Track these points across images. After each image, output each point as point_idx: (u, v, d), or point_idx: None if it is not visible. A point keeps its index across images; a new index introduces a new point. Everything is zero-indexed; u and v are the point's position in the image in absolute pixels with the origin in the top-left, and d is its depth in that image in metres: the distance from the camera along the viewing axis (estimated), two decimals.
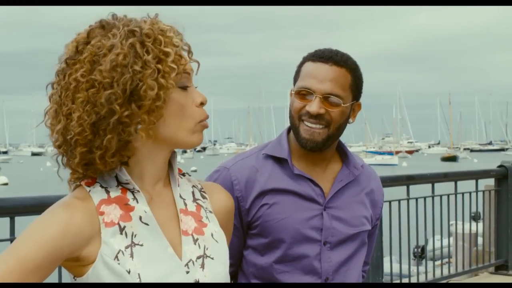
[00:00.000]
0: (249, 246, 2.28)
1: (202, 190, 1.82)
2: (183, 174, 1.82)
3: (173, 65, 1.61)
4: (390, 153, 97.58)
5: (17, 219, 3.40)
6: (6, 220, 3.38)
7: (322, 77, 2.21)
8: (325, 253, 2.25)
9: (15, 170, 74.70)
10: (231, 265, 2.26)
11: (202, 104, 1.69)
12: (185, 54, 1.68)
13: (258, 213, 2.24)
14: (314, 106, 2.20)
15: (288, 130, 2.36)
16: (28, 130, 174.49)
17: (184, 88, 1.67)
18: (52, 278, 3.54)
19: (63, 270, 3.38)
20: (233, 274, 2.31)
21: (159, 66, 1.60)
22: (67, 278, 3.53)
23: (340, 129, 2.27)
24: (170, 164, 1.75)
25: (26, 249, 1.54)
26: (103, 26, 1.66)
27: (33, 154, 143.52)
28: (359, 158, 2.43)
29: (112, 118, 1.57)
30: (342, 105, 2.22)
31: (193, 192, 1.79)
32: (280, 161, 2.29)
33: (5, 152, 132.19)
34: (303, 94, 2.23)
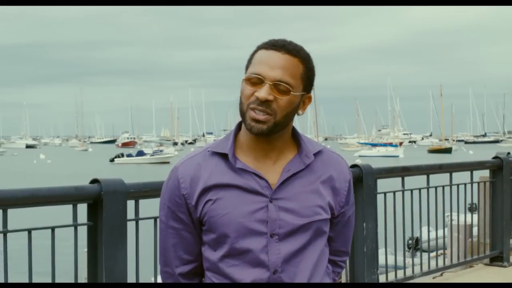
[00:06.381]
0: (204, 242, 2.32)
1: None
2: None
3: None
4: (395, 145, 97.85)
5: (10, 211, 3.39)
6: None
7: (273, 64, 2.22)
8: (273, 245, 2.25)
9: (8, 163, 74.53)
10: (189, 262, 2.33)
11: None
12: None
13: (204, 209, 2.27)
14: (263, 92, 2.20)
15: (239, 125, 2.36)
16: (21, 122, 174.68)
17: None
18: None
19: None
20: (194, 270, 2.35)
21: None
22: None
23: (287, 118, 2.26)
24: None
25: None
26: None
27: (28, 146, 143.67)
28: (319, 145, 2.38)
29: None
30: (292, 93, 2.23)
31: None
32: (224, 157, 2.30)
33: None
34: (253, 81, 2.23)
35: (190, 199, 2.28)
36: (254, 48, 2.32)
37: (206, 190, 2.27)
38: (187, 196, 2.28)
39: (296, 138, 2.36)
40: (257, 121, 2.21)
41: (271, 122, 2.22)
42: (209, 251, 2.30)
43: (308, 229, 2.28)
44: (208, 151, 2.33)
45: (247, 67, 2.29)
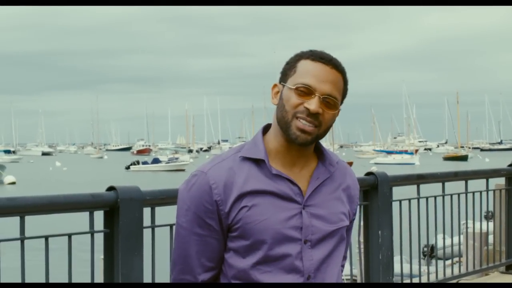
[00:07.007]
0: (230, 248, 2.29)
1: None
2: None
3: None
4: (410, 153, 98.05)
5: (27, 218, 3.42)
6: (16, 219, 3.40)
7: (323, 77, 2.25)
8: (306, 252, 2.27)
9: (25, 170, 74.88)
10: (211, 268, 2.30)
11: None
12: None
13: (238, 215, 2.25)
14: (314, 104, 2.23)
15: (263, 131, 2.38)
16: (37, 129, 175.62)
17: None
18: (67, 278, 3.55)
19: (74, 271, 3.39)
20: (213, 277, 2.32)
21: None
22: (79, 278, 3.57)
23: (327, 131, 2.31)
24: None
25: None
26: None
27: (44, 153, 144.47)
28: (335, 154, 2.44)
29: None
30: (339, 108, 2.29)
31: None
32: (257, 163, 2.30)
33: (14, 152, 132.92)
34: (302, 90, 2.25)
35: (223, 205, 2.24)
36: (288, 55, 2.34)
37: (242, 196, 2.25)
38: (220, 202, 2.24)
39: (316, 147, 2.39)
40: (304, 131, 2.24)
41: (315, 133, 2.26)
42: (236, 258, 2.27)
43: (335, 235, 2.33)
44: (239, 156, 2.31)
45: (286, 74, 2.31)
